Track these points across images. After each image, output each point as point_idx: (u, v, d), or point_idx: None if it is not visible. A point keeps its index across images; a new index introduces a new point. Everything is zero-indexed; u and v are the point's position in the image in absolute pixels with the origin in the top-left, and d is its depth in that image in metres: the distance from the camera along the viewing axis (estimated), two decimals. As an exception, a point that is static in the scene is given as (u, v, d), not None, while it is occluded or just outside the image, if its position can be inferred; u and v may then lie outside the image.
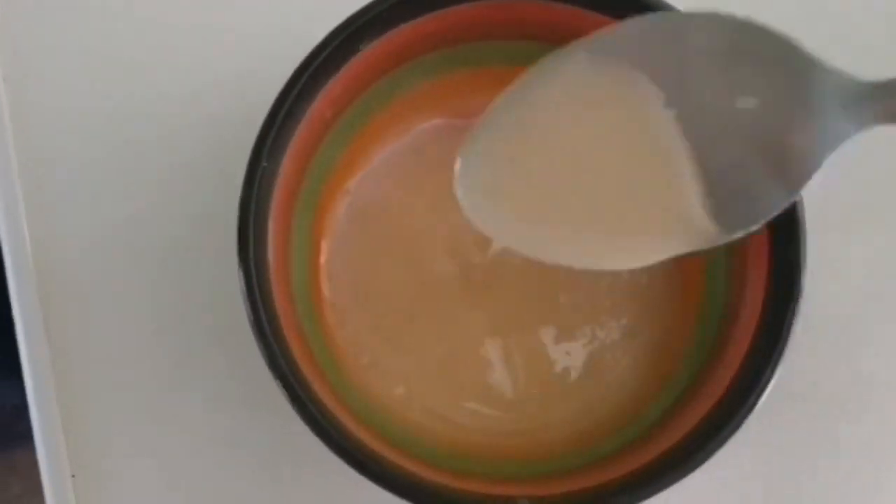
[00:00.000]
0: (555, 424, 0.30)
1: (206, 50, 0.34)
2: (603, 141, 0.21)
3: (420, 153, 0.32)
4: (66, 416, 0.32)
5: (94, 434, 0.32)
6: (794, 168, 0.20)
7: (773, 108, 0.20)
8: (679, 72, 0.20)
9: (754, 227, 0.22)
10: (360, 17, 0.26)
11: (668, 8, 0.23)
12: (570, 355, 0.31)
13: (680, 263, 0.31)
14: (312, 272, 0.31)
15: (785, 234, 0.26)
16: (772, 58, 0.20)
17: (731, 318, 0.28)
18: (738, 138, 0.20)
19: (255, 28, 0.34)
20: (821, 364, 0.32)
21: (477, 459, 0.29)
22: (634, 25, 0.21)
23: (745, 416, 0.25)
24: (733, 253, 0.28)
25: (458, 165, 0.23)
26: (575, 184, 0.21)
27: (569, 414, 0.30)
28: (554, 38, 0.26)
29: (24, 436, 0.33)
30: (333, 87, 0.28)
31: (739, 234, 0.23)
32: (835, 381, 0.32)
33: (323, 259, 0.31)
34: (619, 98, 0.20)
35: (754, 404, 0.25)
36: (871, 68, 0.21)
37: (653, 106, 0.20)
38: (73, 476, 0.32)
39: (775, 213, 0.22)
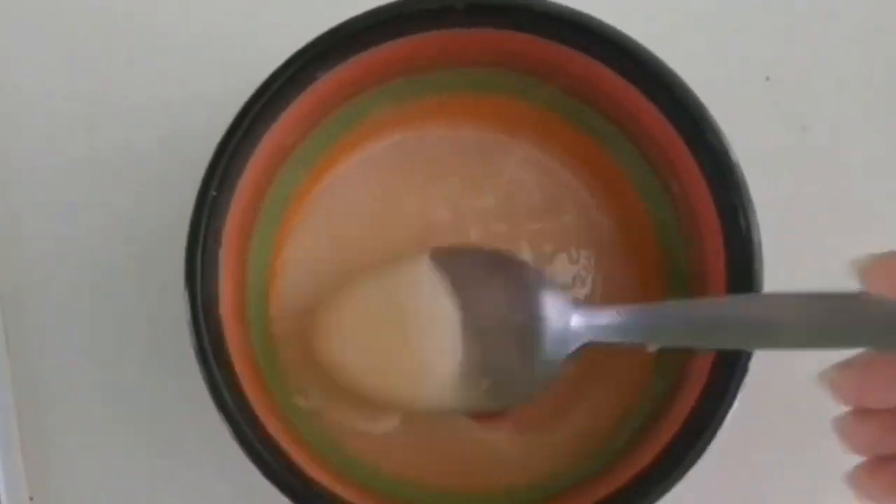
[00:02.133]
0: (514, 458, 0.30)
1: (187, 64, 0.34)
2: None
3: (382, 169, 0.32)
4: (24, 438, 0.32)
5: (53, 457, 0.32)
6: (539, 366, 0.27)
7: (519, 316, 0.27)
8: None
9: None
10: (314, 47, 0.26)
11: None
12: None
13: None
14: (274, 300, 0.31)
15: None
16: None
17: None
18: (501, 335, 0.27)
19: (236, 46, 0.34)
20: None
21: (432, 490, 0.29)
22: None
23: (695, 458, 0.25)
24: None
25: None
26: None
27: (528, 448, 0.30)
28: (511, 65, 0.29)
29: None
30: (291, 115, 0.28)
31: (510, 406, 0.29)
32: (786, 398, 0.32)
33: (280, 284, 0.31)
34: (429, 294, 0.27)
35: (708, 442, 0.25)
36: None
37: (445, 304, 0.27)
38: (32, 499, 0.32)
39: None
